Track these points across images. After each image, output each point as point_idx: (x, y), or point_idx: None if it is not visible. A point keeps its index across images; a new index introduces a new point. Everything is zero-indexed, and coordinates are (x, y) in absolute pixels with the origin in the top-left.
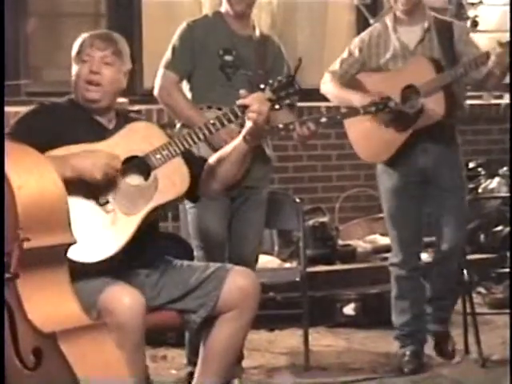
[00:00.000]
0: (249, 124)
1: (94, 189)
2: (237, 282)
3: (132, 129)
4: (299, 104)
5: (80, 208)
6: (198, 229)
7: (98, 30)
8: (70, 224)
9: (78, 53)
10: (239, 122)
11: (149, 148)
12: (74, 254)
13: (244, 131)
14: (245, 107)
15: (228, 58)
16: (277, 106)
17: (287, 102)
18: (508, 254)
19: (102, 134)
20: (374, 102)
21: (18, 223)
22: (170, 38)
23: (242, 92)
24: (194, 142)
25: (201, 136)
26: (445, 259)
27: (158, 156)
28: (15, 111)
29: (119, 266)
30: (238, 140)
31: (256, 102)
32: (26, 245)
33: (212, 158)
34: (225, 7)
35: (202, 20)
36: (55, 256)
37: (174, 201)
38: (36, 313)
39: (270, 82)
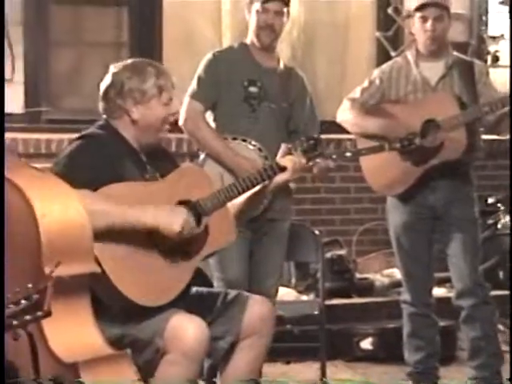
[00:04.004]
0: (282, 177)
1: (156, 236)
2: (255, 309)
3: (183, 173)
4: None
5: (136, 250)
6: (218, 261)
7: (120, 58)
8: (92, 253)
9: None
10: (263, 154)
11: (199, 194)
12: (133, 295)
13: (274, 182)
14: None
15: (253, 89)
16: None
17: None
18: None
19: (141, 168)
20: (399, 137)
21: (41, 252)
22: (191, 68)
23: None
24: (239, 194)
25: (245, 188)
26: (463, 297)
27: (209, 204)
28: (36, 138)
29: None
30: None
31: (292, 166)
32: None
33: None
34: (250, 39)
35: (227, 51)
36: (78, 285)
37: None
38: (57, 342)
39: (299, 142)
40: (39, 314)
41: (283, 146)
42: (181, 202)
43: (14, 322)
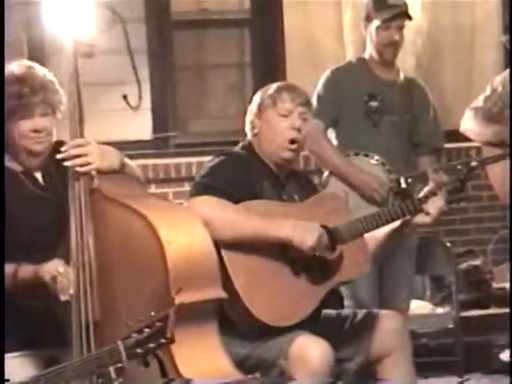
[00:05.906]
0: (424, 220)
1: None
2: (387, 325)
3: (323, 198)
4: (447, 145)
5: (269, 267)
6: None
7: (243, 79)
8: (219, 278)
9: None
10: (387, 169)
11: (337, 221)
12: (263, 315)
13: (414, 221)
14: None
15: (373, 103)
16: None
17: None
18: None
19: (279, 189)
20: None
21: (169, 279)
22: (315, 83)
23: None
24: (377, 226)
25: (384, 221)
26: None
27: (346, 232)
28: (165, 163)
29: None
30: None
31: (436, 213)
32: (176, 301)
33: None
34: (369, 53)
35: (345, 67)
36: (205, 311)
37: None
38: (188, 369)
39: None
40: (163, 340)
41: (430, 185)
42: None
43: (139, 351)
